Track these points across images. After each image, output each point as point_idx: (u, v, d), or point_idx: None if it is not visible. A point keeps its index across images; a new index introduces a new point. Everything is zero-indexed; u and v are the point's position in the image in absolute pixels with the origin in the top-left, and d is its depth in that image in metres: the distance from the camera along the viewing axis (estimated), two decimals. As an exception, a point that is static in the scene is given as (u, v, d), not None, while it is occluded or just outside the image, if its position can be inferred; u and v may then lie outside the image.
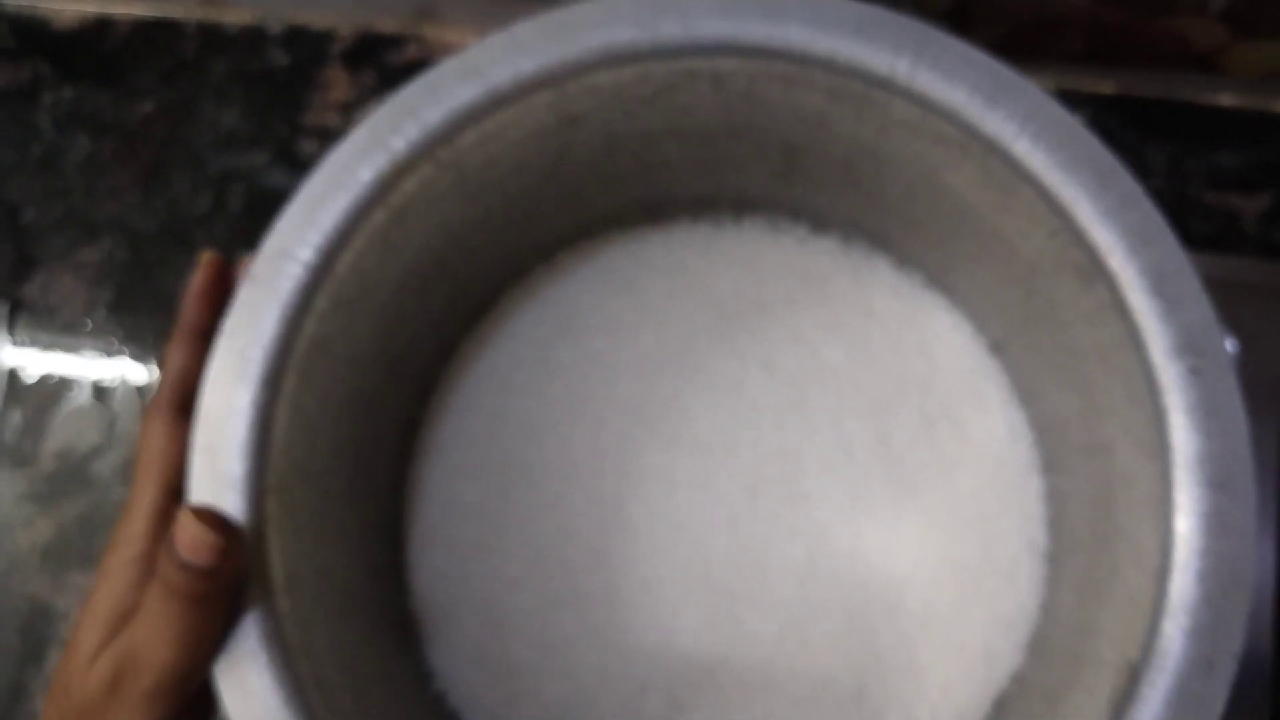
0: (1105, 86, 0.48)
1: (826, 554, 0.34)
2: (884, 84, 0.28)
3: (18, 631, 0.47)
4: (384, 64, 0.52)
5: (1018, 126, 0.27)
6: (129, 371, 0.50)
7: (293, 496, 0.29)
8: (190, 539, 0.25)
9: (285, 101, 0.51)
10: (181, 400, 0.29)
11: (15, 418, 0.49)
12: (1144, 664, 0.26)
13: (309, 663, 0.28)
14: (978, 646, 0.34)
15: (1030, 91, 0.27)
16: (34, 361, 0.50)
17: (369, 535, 0.33)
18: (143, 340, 0.50)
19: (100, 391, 0.50)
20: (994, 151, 0.27)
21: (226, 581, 0.26)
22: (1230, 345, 0.28)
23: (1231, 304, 0.29)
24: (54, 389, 0.50)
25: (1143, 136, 0.48)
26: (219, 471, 0.28)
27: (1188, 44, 0.46)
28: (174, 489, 0.28)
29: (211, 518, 0.26)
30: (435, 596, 0.35)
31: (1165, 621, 0.26)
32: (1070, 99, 0.28)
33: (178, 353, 0.30)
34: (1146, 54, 0.48)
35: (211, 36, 0.53)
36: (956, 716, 0.33)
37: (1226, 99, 0.48)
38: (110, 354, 0.50)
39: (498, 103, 0.29)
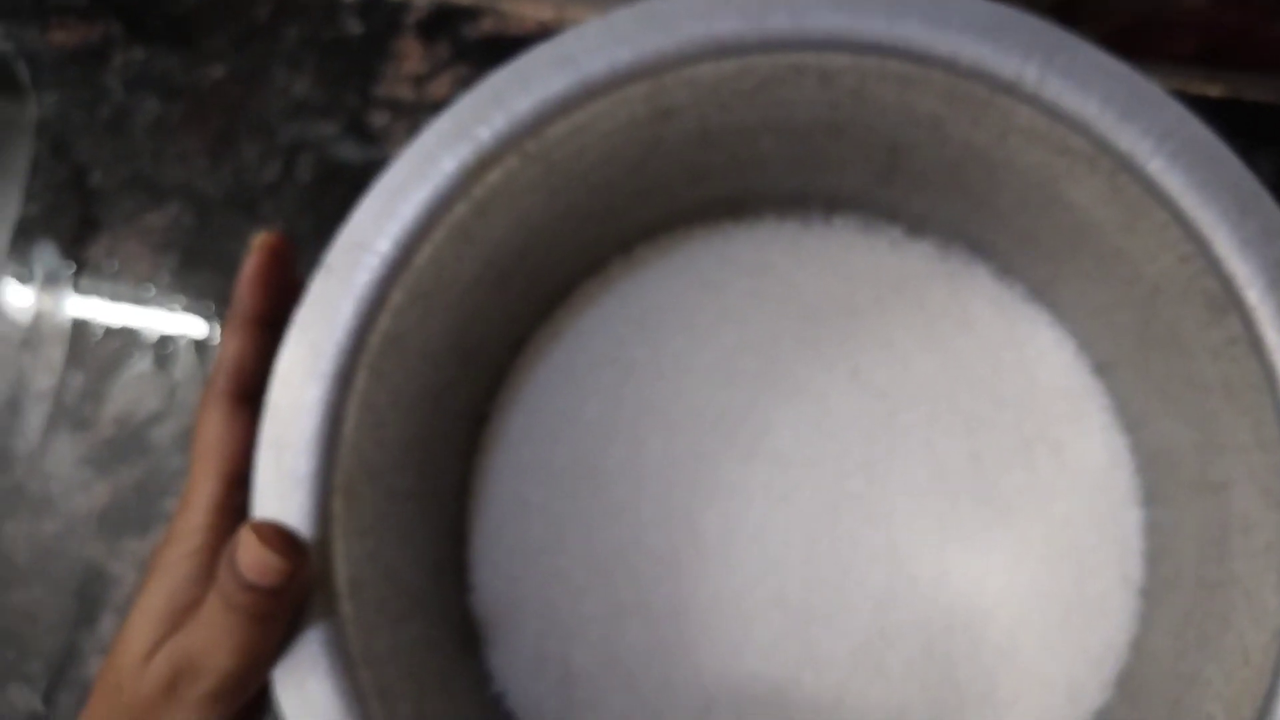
0: (1213, 89, 0.46)
1: (908, 578, 0.32)
2: (1009, 89, 0.26)
3: (73, 594, 0.47)
4: (460, 36, 0.50)
5: (1154, 143, 0.25)
6: (191, 338, 0.49)
7: (359, 496, 0.28)
8: (254, 560, 0.24)
9: (358, 71, 0.50)
10: (237, 388, 0.28)
11: (77, 380, 0.49)
12: (1262, 730, 0.24)
13: (370, 670, 0.27)
14: (1062, 681, 0.32)
15: (1169, 105, 0.25)
16: (96, 325, 0.49)
17: (432, 533, 0.32)
18: (206, 307, 0.49)
19: (162, 358, 0.49)
20: (1125, 168, 0.25)
21: (290, 599, 0.25)
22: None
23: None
24: (116, 353, 0.49)
25: (1251, 143, 0.45)
26: (286, 470, 0.26)
27: (1308, 47, 0.43)
28: (233, 480, 0.27)
29: (276, 538, 0.25)
30: (497, 596, 0.34)
31: (1287, 687, 0.24)
32: (1174, 100, 0.26)
33: (232, 340, 0.28)
34: (1261, 56, 0.45)
35: (286, 2, 0.51)
36: (1038, 755, 0.32)
37: (1342, 106, 0.45)
38: (173, 320, 0.49)
39: (590, 93, 0.28)
